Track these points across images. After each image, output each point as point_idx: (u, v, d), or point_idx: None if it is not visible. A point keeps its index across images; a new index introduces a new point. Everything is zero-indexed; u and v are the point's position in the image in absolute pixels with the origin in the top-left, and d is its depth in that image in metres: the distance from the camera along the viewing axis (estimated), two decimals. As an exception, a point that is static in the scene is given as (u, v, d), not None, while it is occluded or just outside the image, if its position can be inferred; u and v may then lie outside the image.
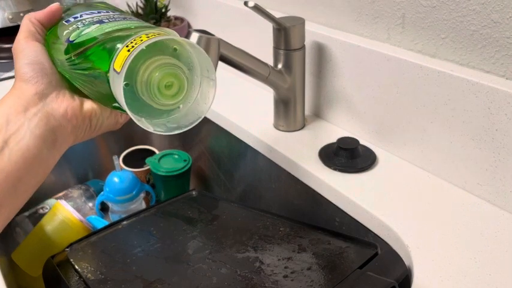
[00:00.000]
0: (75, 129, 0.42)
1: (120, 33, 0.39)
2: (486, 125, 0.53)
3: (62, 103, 0.40)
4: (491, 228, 0.53)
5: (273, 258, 0.52)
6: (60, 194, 0.87)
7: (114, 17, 0.43)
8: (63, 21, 0.45)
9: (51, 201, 0.84)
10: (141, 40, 0.36)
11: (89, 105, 0.42)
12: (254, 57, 0.66)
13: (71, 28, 0.43)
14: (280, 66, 0.70)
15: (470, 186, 0.58)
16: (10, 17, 1.06)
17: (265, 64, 0.67)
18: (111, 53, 0.38)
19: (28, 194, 0.40)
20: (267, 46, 0.72)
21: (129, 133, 1.00)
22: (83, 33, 0.41)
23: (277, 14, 0.68)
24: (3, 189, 0.36)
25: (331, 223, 0.63)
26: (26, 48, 0.42)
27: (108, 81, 0.38)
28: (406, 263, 0.50)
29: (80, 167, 0.95)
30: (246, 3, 0.59)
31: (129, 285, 0.50)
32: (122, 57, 0.36)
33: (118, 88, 0.36)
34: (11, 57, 0.97)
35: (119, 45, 0.37)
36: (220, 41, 0.62)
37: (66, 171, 0.94)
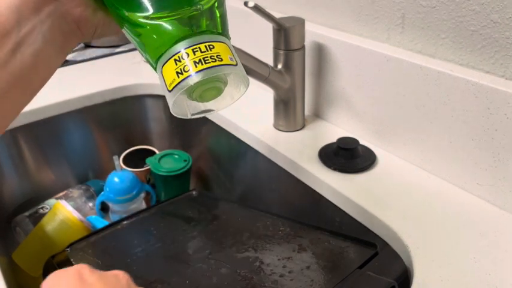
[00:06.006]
0: (82, 35, 0.41)
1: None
2: (486, 125, 0.54)
3: (77, 7, 0.38)
4: (490, 228, 0.53)
5: (273, 258, 0.52)
6: (61, 194, 0.87)
7: None
8: None
9: (51, 201, 0.84)
10: (195, 66, 0.33)
11: (100, 15, 0.40)
12: (254, 57, 0.66)
13: None
14: (280, 66, 0.70)
15: (469, 186, 0.58)
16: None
17: (265, 64, 0.67)
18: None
19: (35, 93, 0.40)
20: (267, 46, 0.72)
21: (129, 133, 1.00)
22: None
23: (277, 15, 0.68)
24: (15, 90, 0.37)
25: (331, 223, 0.63)
26: None
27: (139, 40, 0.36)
28: (406, 262, 0.51)
29: (80, 167, 0.95)
30: (246, 4, 0.59)
31: (129, 285, 0.50)
32: (170, 76, 0.34)
33: (167, 97, 0.34)
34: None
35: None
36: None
37: (66, 171, 0.94)
